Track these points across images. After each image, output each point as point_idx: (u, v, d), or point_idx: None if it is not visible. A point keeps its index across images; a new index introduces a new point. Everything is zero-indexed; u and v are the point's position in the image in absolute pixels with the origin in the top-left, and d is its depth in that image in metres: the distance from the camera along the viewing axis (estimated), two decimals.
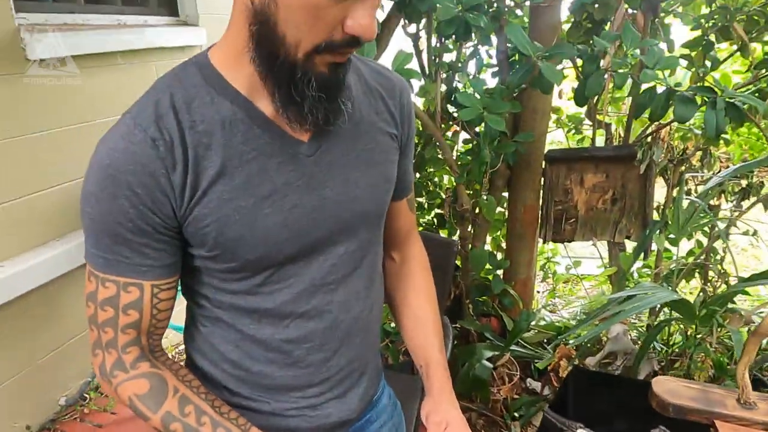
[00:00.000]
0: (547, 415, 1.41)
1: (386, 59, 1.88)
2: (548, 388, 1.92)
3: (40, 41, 1.57)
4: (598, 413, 1.56)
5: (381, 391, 0.91)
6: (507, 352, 2.00)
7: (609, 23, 1.79)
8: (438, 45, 1.87)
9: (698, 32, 1.85)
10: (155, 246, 0.64)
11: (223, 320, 0.72)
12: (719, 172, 1.84)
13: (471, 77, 1.94)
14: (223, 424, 0.68)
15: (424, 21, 1.85)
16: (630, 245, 2.03)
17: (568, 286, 2.95)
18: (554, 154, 1.99)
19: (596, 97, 1.92)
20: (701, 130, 1.53)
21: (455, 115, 1.91)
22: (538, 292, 2.81)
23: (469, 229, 2.01)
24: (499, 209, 2.07)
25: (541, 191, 2.02)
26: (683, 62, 1.86)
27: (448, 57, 1.93)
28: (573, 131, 2.35)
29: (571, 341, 1.87)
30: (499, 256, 2.19)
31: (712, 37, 1.82)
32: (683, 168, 1.94)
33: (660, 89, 1.51)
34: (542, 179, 2.01)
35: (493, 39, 1.82)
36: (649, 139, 1.90)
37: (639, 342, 1.86)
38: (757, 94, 1.87)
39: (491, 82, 1.88)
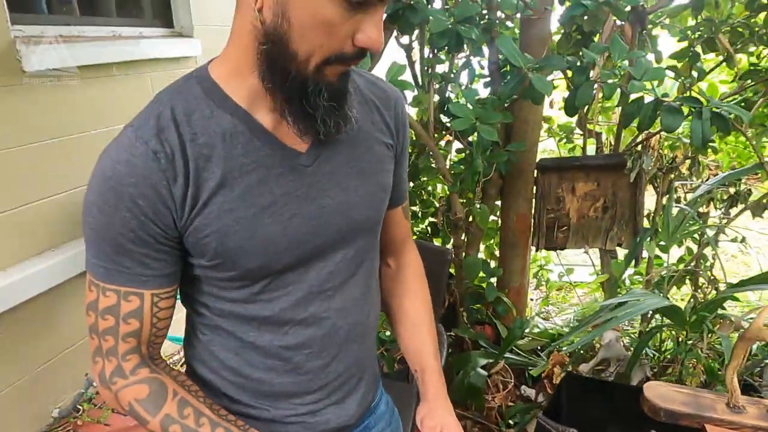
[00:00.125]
0: (541, 421, 1.43)
1: (379, 70, 1.90)
2: (542, 395, 1.94)
3: (35, 53, 1.57)
4: (591, 419, 1.57)
5: (379, 398, 0.92)
6: (501, 359, 2.01)
7: (598, 35, 1.83)
8: (431, 56, 1.90)
9: (685, 43, 1.89)
10: (155, 256, 0.65)
11: (223, 328, 0.73)
12: (708, 179, 1.87)
13: (463, 87, 1.97)
14: (222, 424, 0.69)
15: (416, 32, 1.88)
16: (621, 252, 2.06)
17: (561, 293, 2.97)
18: (546, 163, 2.01)
19: (586, 107, 1.95)
20: (689, 138, 1.56)
21: (448, 125, 1.93)
22: (532, 299, 2.82)
23: (462, 238, 2.02)
24: (492, 218, 2.09)
25: (534, 200, 2.04)
26: (670, 73, 1.90)
27: (441, 68, 1.96)
28: (564, 140, 2.38)
29: (564, 348, 1.89)
30: (493, 264, 2.21)
31: (699, 49, 1.86)
32: (672, 176, 1.97)
33: (648, 99, 1.54)
34: (534, 188, 2.03)
35: (485, 50, 1.85)
36: (638, 147, 1.94)
37: (631, 348, 1.88)
38: (743, 104, 1.91)
39: (483, 92, 1.91)
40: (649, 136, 1.91)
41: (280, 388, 0.76)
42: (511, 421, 1.90)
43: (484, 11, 1.78)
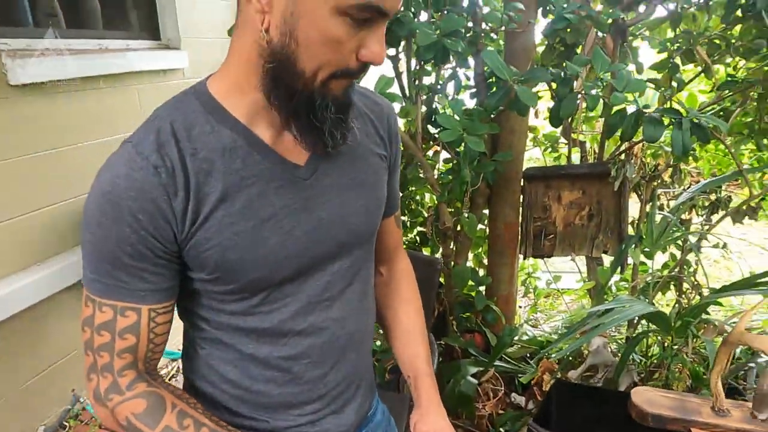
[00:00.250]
0: (531, 428, 1.44)
1: (367, 82, 1.92)
2: (532, 402, 1.95)
3: (22, 67, 1.57)
4: (580, 425, 1.59)
5: (375, 407, 0.92)
6: (491, 367, 2.02)
7: (581, 46, 1.87)
8: (417, 68, 1.92)
9: (665, 55, 1.94)
10: (154, 270, 0.65)
11: (222, 341, 0.74)
12: (689, 187, 1.92)
13: (450, 98, 2.00)
14: None
15: (403, 44, 1.91)
16: (607, 259, 2.09)
17: (549, 300, 2.99)
18: (532, 172, 2.04)
19: (570, 117, 1.99)
20: (671, 147, 1.60)
21: (436, 135, 1.95)
22: (520, 307, 2.84)
23: (451, 247, 2.04)
24: (480, 226, 2.11)
25: (521, 208, 2.06)
26: (651, 84, 1.95)
27: (428, 80, 1.99)
28: (549, 149, 2.42)
29: (553, 355, 1.90)
30: (481, 272, 2.23)
31: (678, 60, 1.91)
32: (655, 184, 2.01)
33: (630, 109, 1.58)
34: (521, 197, 2.06)
35: (471, 61, 1.88)
36: (622, 156, 1.98)
37: (619, 354, 1.90)
38: (721, 113, 1.97)
39: (469, 102, 1.93)
40: (632, 144, 1.95)
41: (280, 399, 0.76)
42: (501, 429, 1.91)
43: (470, 24, 1.81)
